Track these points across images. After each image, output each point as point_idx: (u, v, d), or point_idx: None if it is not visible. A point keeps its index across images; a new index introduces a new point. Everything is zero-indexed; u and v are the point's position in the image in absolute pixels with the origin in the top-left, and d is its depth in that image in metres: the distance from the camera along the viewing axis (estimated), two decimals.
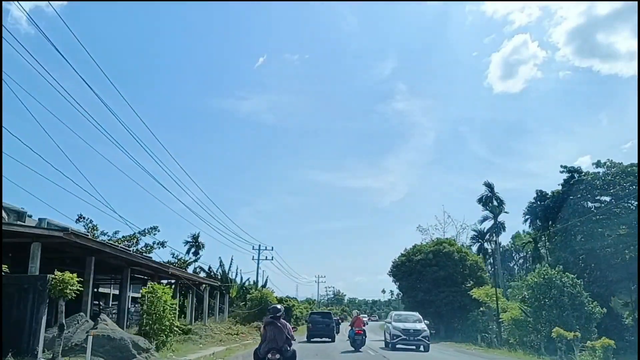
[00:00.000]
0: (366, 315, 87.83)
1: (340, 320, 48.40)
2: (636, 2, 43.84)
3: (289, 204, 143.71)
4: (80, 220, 30.63)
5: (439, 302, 34.78)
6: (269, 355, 8.21)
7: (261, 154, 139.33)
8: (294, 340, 8.80)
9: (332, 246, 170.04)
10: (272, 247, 49.52)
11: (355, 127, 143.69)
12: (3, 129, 10.58)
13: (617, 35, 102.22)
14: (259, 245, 48.15)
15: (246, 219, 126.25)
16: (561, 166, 48.02)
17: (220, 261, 44.62)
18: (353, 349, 21.20)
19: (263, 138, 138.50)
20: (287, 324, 8.67)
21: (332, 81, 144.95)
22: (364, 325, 22.87)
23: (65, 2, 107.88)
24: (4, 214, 17.30)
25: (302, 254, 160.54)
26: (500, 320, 27.62)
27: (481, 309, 31.70)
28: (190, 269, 40.44)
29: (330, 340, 28.03)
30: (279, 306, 8.92)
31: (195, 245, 54.16)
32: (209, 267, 43.53)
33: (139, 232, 32.92)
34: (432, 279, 35.19)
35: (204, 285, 38.01)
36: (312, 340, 28.00)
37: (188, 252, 53.19)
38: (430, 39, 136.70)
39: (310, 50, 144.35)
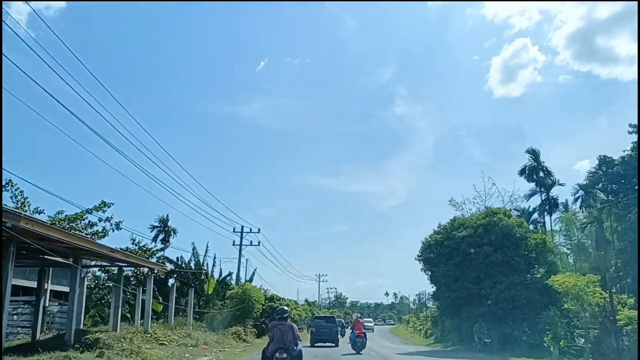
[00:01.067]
0: (371, 320, 77.86)
1: (345, 323, 39.68)
2: (636, 3, 40.71)
3: (290, 209, 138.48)
4: (7, 187, 21.49)
5: (494, 297, 24.02)
6: (277, 355, 8.63)
7: (262, 159, 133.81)
8: (300, 340, 9.31)
9: (333, 250, 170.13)
10: (259, 229, 38.69)
11: (355, 131, 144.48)
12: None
13: (616, 39, 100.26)
14: (242, 227, 37.29)
15: (247, 224, 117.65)
16: (630, 125, 37.88)
17: (194, 248, 34.00)
18: (354, 351, 21.51)
19: (264, 143, 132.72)
20: (294, 325, 9.23)
21: (333, 86, 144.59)
22: (364, 329, 22.96)
23: (64, 3, 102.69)
24: None
25: (303, 258, 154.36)
26: (619, 323, 16.94)
27: (565, 305, 21.01)
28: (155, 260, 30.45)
29: (334, 345, 27.16)
30: (286, 308, 9.56)
31: (164, 230, 43.35)
32: (179, 257, 32.99)
33: (86, 211, 23.52)
34: (484, 264, 24.36)
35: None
36: (315, 344, 26.93)
37: (155, 239, 42.48)
38: (431, 43, 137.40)
39: (311, 54, 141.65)
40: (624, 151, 37.07)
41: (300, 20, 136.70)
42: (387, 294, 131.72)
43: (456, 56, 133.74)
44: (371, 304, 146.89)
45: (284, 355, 8.61)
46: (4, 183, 20.87)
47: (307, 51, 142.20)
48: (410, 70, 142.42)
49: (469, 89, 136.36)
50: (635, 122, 35.20)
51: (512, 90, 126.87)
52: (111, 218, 23.10)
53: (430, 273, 27.86)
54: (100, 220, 23.34)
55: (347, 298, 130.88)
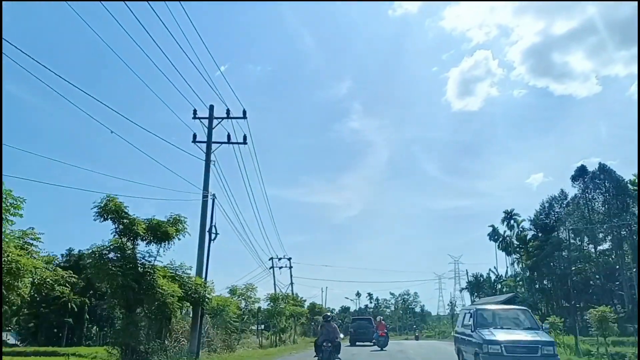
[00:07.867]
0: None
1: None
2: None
3: (247, 218, 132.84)
4: None
5: None
6: (324, 344, 12.89)
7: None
8: (340, 335, 14.12)
9: (292, 259, 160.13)
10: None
11: (312, 143, 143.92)
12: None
13: (572, 56, 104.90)
14: None
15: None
16: None
17: None
18: (379, 348, 25.99)
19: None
20: (335, 325, 13.97)
21: (291, 97, 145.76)
22: (385, 329, 27.60)
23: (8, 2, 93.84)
24: None
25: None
26: None
27: None
28: None
29: (370, 344, 29.63)
30: (329, 313, 15.72)
31: None
32: None
33: None
34: None
35: None
36: (356, 344, 30.67)
37: None
38: (389, 56, 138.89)
39: (273, 63, 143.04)
40: None
41: (262, 28, 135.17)
42: (358, 294, 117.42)
43: (414, 68, 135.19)
44: (333, 308, 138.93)
45: (329, 344, 12.80)
46: None
47: (270, 59, 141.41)
48: (366, 86, 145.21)
49: (427, 101, 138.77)
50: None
51: (470, 103, 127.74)
52: None
53: None
54: None
55: (304, 300, 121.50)
